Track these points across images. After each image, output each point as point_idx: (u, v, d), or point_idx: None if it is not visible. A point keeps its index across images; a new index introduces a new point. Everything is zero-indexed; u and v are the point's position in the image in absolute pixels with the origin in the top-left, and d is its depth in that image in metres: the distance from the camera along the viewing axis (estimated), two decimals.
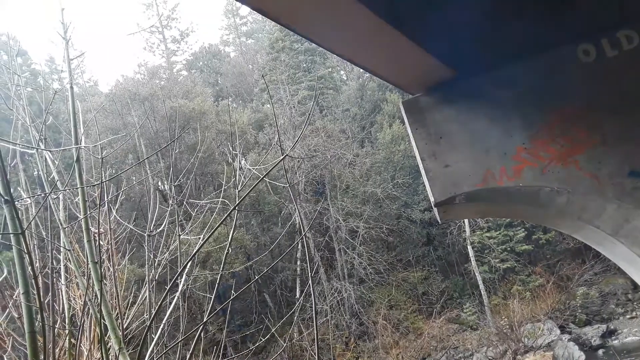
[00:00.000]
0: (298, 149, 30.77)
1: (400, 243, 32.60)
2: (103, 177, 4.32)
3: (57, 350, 4.28)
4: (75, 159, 4.57)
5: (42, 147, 4.85)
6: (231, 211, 3.06)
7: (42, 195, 4.76)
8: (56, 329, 4.36)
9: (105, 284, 4.70)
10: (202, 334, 4.23)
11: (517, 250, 29.06)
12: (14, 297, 4.31)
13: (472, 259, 29.19)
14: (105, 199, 4.97)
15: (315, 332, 3.17)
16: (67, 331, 4.45)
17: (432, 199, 4.59)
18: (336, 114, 39.15)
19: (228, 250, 3.52)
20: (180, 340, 4.23)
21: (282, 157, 3.29)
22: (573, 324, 25.73)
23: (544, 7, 3.92)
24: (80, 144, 4.80)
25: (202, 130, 32.72)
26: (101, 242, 4.88)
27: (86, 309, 4.38)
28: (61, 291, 4.72)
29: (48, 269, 4.53)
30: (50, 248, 4.57)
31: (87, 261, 4.19)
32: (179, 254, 5.32)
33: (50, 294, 4.45)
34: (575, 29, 4.11)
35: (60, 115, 25.96)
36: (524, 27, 3.97)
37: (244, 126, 35.81)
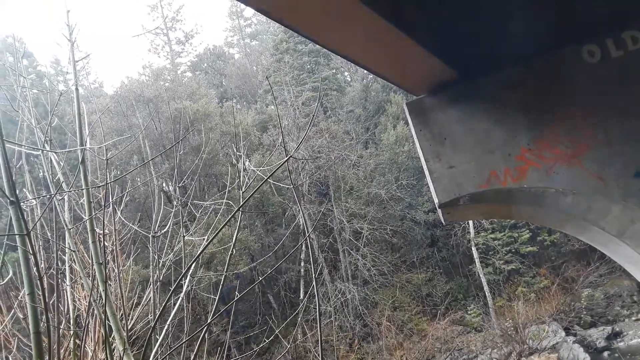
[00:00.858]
0: (302, 150, 30.77)
1: (405, 244, 32.53)
2: (108, 179, 4.34)
3: (61, 351, 4.29)
4: (80, 160, 4.59)
5: (48, 148, 4.87)
6: (235, 212, 3.07)
7: (48, 196, 4.78)
8: (61, 330, 4.38)
9: (110, 284, 4.71)
10: (206, 334, 4.23)
11: (521, 252, 28.94)
12: (19, 297, 4.32)
13: (477, 260, 29.10)
14: (110, 200, 4.99)
15: (319, 333, 3.18)
16: (71, 332, 4.46)
17: (436, 200, 4.59)
18: (340, 115, 39.12)
19: (232, 251, 3.53)
20: (185, 341, 4.24)
21: (286, 159, 3.29)
22: (578, 325, 25.58)
23: (548, 8, 3.91)
24: (86, 146, 4.82)
25: (207, 131, 32.77)
26: (106, 243, 4.89)
27: (91, 310, 4.39)
28: (66, 292, 4.74)
29: (53, 269, 4.55)
30: (55, 249, 4.59)
31: (92, 262, 4.21)
32: (183, 255, 5.33)
33: (55, 294, 4.47)
34: (579, 29, 4.10)
35: (66, 116, 26.05)
36: (528, 28, 3.96)
37: (248, 127, 35.83)
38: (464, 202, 4.46)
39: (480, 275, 28.55)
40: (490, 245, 29.25)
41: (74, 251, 4.56)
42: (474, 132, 4.45)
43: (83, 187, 4.51)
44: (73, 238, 4.72)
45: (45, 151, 4.86)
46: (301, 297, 29.65)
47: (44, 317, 3.22)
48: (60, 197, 4.92)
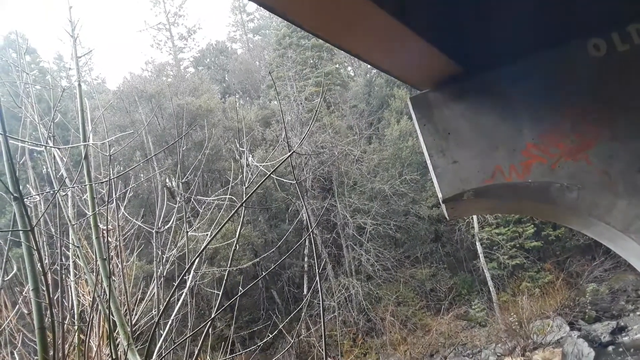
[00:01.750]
0: (305, 146, 30.76)
1: (408, 239, 32.53)
2: (111, 174, 4.35)
3: (66, 346, 4.31)
4: (83, 156, 4.59)
5: (51, 144, 4.87)
6: (238, 208, 3.06)
7: (51, 192, 4.79)
8: (65, 325, 4.39)
9: (114, 280, 4.72)
10: (210, 329, 4.24)
11: (526, 247, 28.89)
12: (23, 293, 4.34)
13: (481, 255, 29.06)
14: (114, 196, 4.99)
15: (322, 328, 3.17)
16: (76, 327, 4.48)
17: (440, 195, 4.56)
18: (343, 110, 39.04)
19: (235, 246, 3.53)
20: (189, 336, 4.25)
21: (289, 154, 3.28)
22: (582, 320, 25.55)
23: (553, 2, 3.87)
24: (89, 142, 4.82)
25: (209, 127, 32.80)
26: (109, 239, 4.90)
27: (95, 305, 4.41)
28: (70, 287, 4.75)
29: (57, 265, 4.57)
30: (59, 245, 4.60)
31: (96, 258, 4.22)
32: (186, 250, 5.34)
33: (59, 290, 4.48)
34: (585, 23, 4.06)
35: (69, 112, 26.10)
36: (534, 22, 3.92)
37: (251, 123, 35.86)
38: (468, 197, 4.44)
39: (485, 270, 28.52)
40: (495, 240, 29.21)
41: (77, 247, 4.57)
42: (479, 127, 4.42)
43: (86, 183, 4.52)
44: (77, 234, 4.73)
45: (48, 147, 4.87)
46: (305, 292, 29.72)
47: (48, 312, 3.22)
48: (64, 193, 4.93)
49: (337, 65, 45.21)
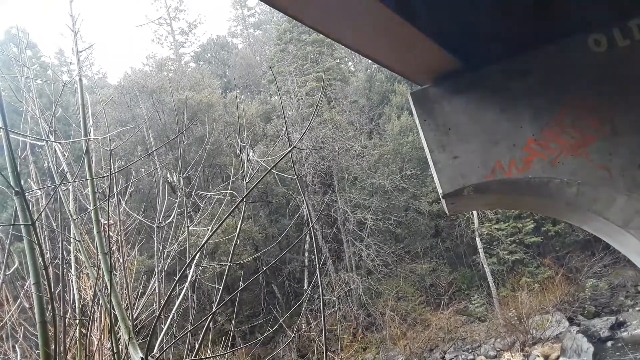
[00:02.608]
0: (306, 141, 30.74)
1: (408, 235, 32.56)
2: (112, 169, 4.35)
3: (67, 340, 4.34)
4: (84, 150, 4.60)
5: (52, 139, 4.88)
6: (239, 202, 3.06)
7: (52, 186, 4.80)
8: (67, 319, 4.42)
9: (115, 274, 4.74)
10: (210, 324, 4.26)
11: (526, 242, 28.92)
12: (25, 287, 4.35)
13: (481, 250, 29.10)
14: (115, 191, 5.00)
15: (323, 323, 3.19)
16: (77, 321, 4.50)
17: (440, 191, 4.58)
18: (344, 105, 38.96)
19: (236, 241, 3.54)
20: (189, 330, 4.27)
21: (290, 149, 3.29)
22: (582, 315, 25.63)
23: None
24: (90, 136, 4.82)
25: (210, 122, 32.77)
26: (111, 233, 4.91)
27: (96, 300, 4.43)
28: (71, 282, 4.77)
29: (58, 259, 4.58)
30: (60, 239, 4.61)
31: (97, 252, 4.23)
32: (187, 245, 5.35)
33: (60, 284, 4.50)
34: (585, 18, 4.05)
35: (70, 107, 26.08)
36: (534, 17, 3.92)
37: (252, 118, 35.80)
38: (468, 193, 4.45)
39: (484, 266, 28.56)
40: (495, 235, 29.24)
41: (79, 241, 4.58)
42: (479, 123, 4.43)
43: (87, 178, 4.52)
44: (78, 228, 4.74)
45: (49, 142, 4.87)
46: (305, 287, 29.78)
47: (49, 306, 3.24)
48: (65, 188, 4.93)
49: (337, 61, 45.04)
